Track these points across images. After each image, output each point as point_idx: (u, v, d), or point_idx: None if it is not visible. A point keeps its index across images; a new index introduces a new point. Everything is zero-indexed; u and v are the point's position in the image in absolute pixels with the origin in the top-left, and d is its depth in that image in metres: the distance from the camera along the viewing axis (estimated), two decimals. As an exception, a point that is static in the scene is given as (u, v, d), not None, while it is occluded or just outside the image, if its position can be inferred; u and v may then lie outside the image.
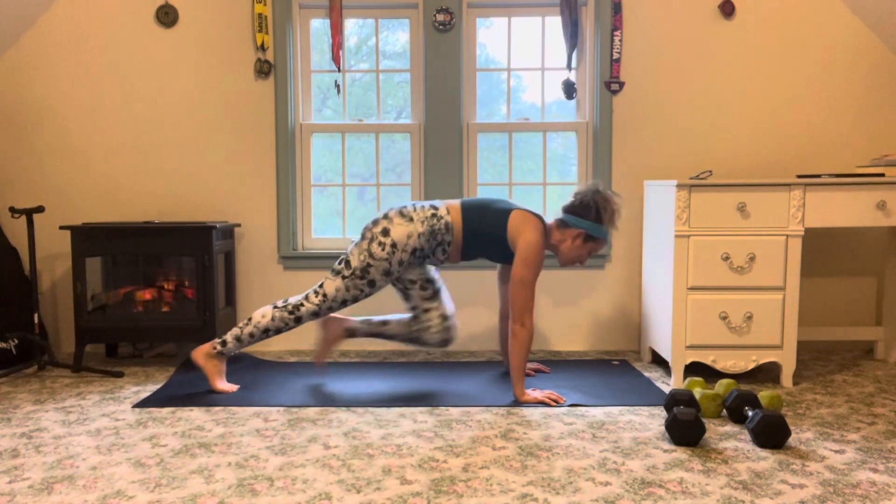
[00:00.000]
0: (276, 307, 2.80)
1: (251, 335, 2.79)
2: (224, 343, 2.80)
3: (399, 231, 2.74)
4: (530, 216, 2.76)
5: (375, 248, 2.74)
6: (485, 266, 3.56)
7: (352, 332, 2.99)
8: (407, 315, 2.92)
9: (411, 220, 2.76)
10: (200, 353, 2.83)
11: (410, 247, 2.75)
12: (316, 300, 2.78)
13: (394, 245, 2.73)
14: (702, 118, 3.51)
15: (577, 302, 3.59)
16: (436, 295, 2.86)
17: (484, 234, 2.78)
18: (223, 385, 2.85)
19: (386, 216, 2.79)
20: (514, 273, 2.68)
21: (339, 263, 2.79)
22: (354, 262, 2.76)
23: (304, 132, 3.60)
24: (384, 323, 2.93)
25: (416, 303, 2.86)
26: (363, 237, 2.79)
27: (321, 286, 2.79)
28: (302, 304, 2.78)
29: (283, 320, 2.78)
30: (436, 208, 2.80)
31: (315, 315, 2.79)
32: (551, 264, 3.54)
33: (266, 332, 2.80)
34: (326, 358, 2.96)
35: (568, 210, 2.80)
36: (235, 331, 2.80)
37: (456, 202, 2.85)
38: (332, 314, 2.94)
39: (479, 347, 3.61)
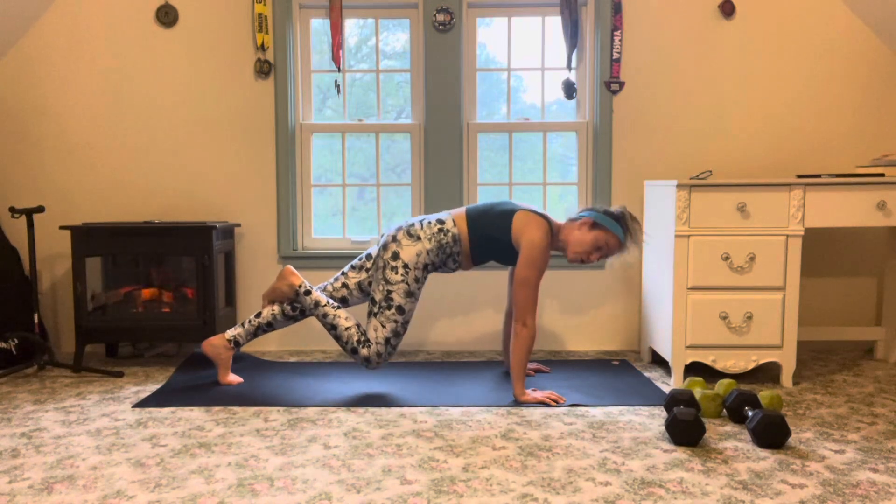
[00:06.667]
0: (359, 327, 2.79)
1: (324, 316, 2.81)
2: (308, 292, 2.83)
3: (408, 252, 2.76)
4: (534, 216, 2.75)
5: (389, 273, 2.76)
6: (486, 267, 3.56)
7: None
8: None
9: (419, 238, 2.77)
10: (289, 278, 2.86)
11: (421, 264, 2.77)
12: (366, 351, 2.76)
13: (406, 266, 2.75)
14: (702, 118, 3.51)
15: (577, 302, 3.59)
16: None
17: (490, 239, 2.78)
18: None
19: (395, 238, 2.79)
20: (518, 273, 2.68)
21: (368, 305, 2.81)
22: (378, 296, 2.77)
23: (304, 132, 3.60)
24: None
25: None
26: (376, 266, 2.81)
27: (365, 334, 2.79)
28: (365, 343, 2.77)
29: (350, 338, 2.78)
30: (442, 222, 2.80)
31: (367, 360, 2.77)
32: (552, 265, 3.54)
33: (333, 329, 2.80)
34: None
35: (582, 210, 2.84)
36: (322, 297, 2.83)
37: (461, 211, 2.86)
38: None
39: (479, 347, 3.61)
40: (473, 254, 2.83)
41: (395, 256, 2.76)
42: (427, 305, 3.60)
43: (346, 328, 2.79)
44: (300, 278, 2.88)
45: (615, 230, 2.72)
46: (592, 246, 2.73)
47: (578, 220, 2.78)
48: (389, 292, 2.76)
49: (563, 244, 2.81)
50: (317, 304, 2.83)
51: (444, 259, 2.81)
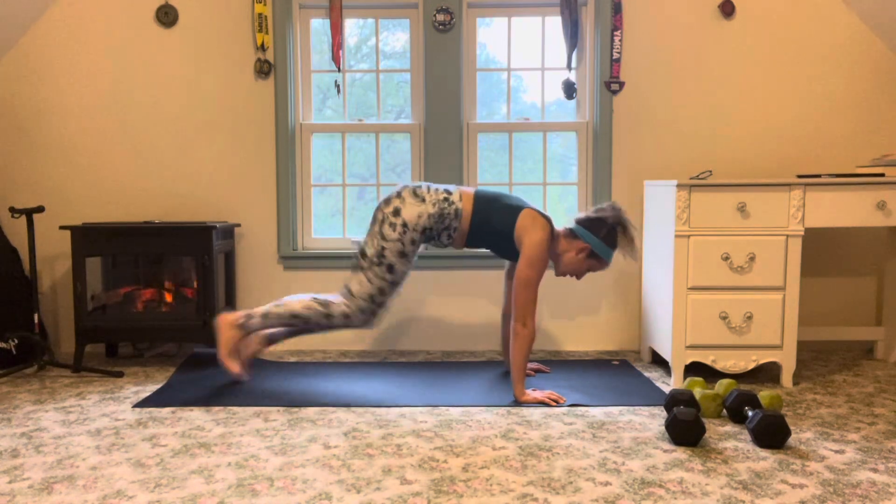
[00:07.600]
0: (313, 298, 2.77)
1: (278, 316, 2.77)
2: (250, 316, 2.80)
3: (410, 211, 2.73)
4: (539, 217, 2.75)
5: (387, 229, 2.73)
6: (484, 265, 3.56)
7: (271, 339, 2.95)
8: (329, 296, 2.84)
9: (423, 200, 2.75)
10: (225, 322, 2.83)
11: (421, 226, 2.74)
12: (346, 302, 2.75)
13: (405, 225, 2.72)
14: (702, 118, 3.51)
15: (578, 302, 3.59)
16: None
17: (491, 227, 2.78)
18: (230, 362, 2.86)
19: (399, 195, 2.77)
20: (519, 273, 2.68)
21: (358, 259, 2.77)
22: (370, 251, 2.74)
23: (304, 132, 3.60)
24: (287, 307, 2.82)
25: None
26: (374, 220, 2.78)
27: (347, 286, 2.77)
28: (330, 303, 2.75)
29: (314, 311, 2.74)
30: (449, 193, 2.79)
31: (346, 317, 2.74)
32: (552, 265, 3.54)
33: (294, 318, 2.76)
34: (238, 363, 2.89)
35: (582, 222, 2.79)
36: (265, 308, 2.81)
37: (470, 190, 2.84)
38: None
39: (479, 347, 3.61)
40: (470, 236, 2.82)
41: (397, 212, 2.74)
42: (427, 305, 3.60)
43: (304, 306, 2.75)
44: (233, 313, 2.82)
45: (609, 258, 2.79)
46: (585, 270, 2.82)
47: (578, 243, 2.78)
48: (383, 248, 2.72)
49: (556, 256, 2.83)
50: (265, 316, 2.79)
51: (440, 230, 2.78)
